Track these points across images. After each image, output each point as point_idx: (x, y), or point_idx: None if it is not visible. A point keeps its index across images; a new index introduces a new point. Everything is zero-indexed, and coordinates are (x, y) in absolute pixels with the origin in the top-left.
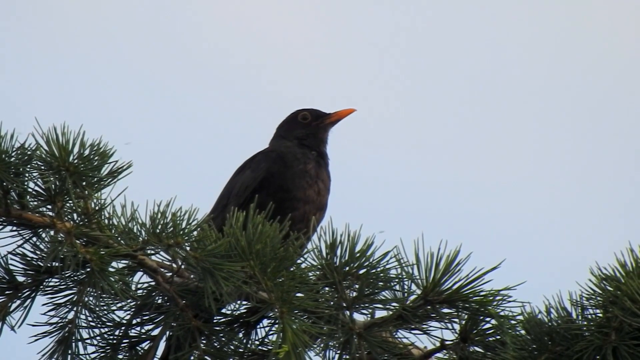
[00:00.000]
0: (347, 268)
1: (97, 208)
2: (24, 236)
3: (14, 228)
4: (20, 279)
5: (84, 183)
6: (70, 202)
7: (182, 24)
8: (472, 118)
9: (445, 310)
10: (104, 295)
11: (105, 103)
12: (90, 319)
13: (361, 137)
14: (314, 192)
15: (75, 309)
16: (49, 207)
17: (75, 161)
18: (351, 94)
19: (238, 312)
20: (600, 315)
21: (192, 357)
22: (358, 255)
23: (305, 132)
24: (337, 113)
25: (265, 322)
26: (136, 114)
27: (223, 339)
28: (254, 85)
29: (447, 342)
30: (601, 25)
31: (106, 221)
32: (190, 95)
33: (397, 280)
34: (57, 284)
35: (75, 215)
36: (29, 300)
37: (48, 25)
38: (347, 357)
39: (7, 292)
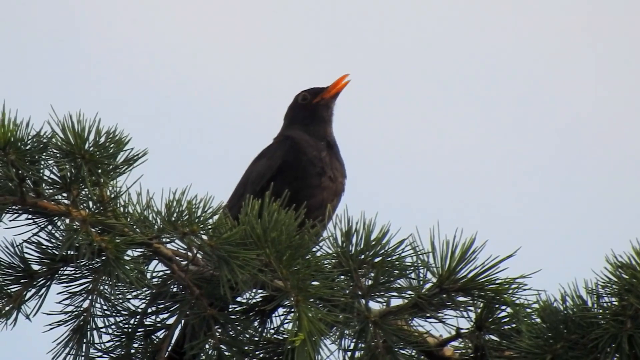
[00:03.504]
0: (363, 256)
1: (112, 196)
2: (39, 224)
3: (29, 216)
4: (36, 267)
5: (99, 171)
6: (86, 190)
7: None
8: (495, 106)
9: (461, 299)
10: (119, 284)
11: (119, 91)
12: (105, 307)
13: (374, 124)
14: (329, 179)
15: (90, 297)
16: (64, 195)
17: (91, 149)
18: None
19: (253, 300)
20: (616, 303)
21: (207, 346)
22: (374, 243)
23: (308, 113)
24: (332, 84)
25: (281, 310)
26: (152, 101)
27: (238, 327)
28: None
29: (463, 331)
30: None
31: (121, 209)
32: (204, 81)
33: (412, 268)
34: (72, 272)
35: (90, 203)
36: (44, 289)
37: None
38: (363, 345)
39: (22, 280)
